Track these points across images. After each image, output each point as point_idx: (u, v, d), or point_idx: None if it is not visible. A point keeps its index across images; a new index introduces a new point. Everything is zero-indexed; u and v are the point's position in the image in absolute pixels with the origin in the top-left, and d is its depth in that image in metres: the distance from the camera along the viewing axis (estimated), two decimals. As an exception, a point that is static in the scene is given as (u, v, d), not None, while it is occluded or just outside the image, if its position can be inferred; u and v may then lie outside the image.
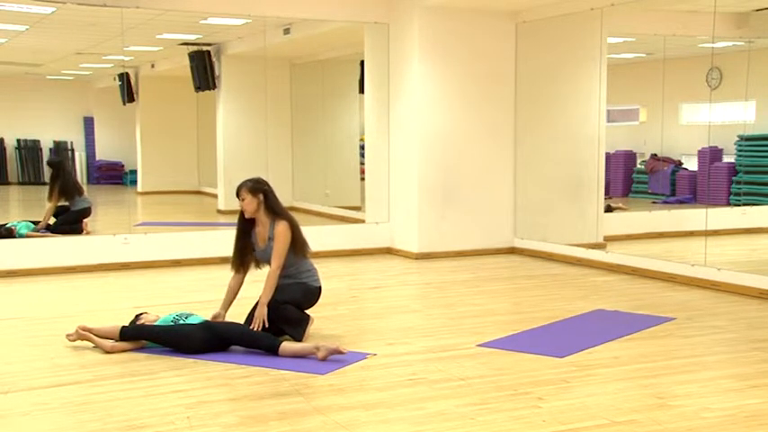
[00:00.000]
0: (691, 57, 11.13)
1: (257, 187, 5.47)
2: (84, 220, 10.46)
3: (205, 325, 5.21)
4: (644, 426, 3.82)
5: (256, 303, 5.44)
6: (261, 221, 5.50)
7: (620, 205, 11.37)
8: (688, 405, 4.12)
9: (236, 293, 5.63)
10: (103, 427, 3.83)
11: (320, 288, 5.65)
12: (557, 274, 8.21)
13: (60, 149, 16.37)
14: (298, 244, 5.48)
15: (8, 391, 4.41)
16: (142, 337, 5.22)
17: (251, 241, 5.58)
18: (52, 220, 10.40)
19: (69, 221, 10.28)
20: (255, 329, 5.22)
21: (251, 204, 5.44)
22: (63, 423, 3.93)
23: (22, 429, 3.87)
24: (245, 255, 5.59)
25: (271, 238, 5.44)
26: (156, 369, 4.80)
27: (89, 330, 5.27)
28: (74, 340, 5.30)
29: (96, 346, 5.21)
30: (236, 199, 5.51)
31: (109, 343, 5.18)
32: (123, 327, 5.23)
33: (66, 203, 10.51)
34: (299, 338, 5.36)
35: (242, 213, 5.53)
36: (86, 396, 4.30)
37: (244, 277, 5.64)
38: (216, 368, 4.81)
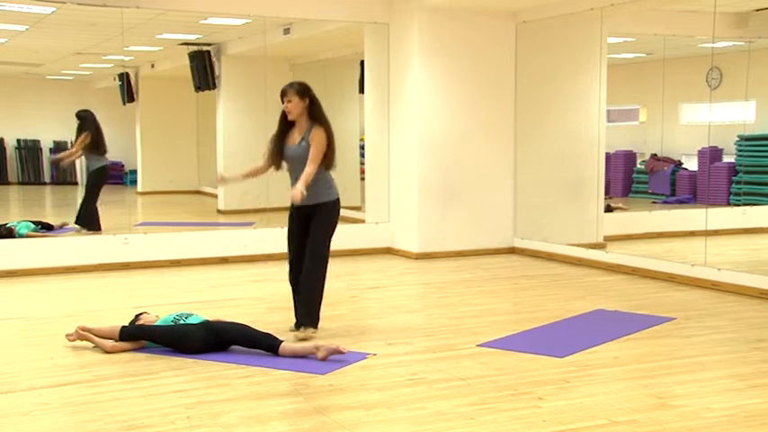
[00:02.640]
0: (691, 57, 11.13)
1: (304, 91, 5.57)
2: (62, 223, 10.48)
3: (205, 325, 5.20)
4: (644, 426, 3.82)
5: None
6: (300, 125, 5.59)
7: (620, 205, 11.37)
8: (688, 405, 4.12)
9: (257, 174, 5.82)
10: (103, 427, 3.83)
11: (339, 200, 5.71)
12: (557, 274, 8.21)
13: (60, 149, 16.37)
14: (328, 155, 5.58)
15: (8, 391, 4.41)
16: (142, 337, 5.22)
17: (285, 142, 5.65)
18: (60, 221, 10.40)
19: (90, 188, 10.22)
20: (300, 190, 5.34)
21: (297, 107, 5.53)
22: (63, 423, 3.93)
23: (23, 429, 3.86)
24: (279, 153, 5.68)
25: (304, 139, 5.53)
26: (156, 369, 4.80)
27: (89, 330, 5.27)
28: (73, 340, 5.30)
29: (96, 346, 5.21)
30: (280, 101, 5.59)
31: (109, 343, 5.18)
32: (123, 327, 5.23)
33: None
34: (315, 317, 5.57)
35: (284, 114, 5.61)
36: (86, 396, 4.30)
37: (268, 170, 5.78)
38: (216, 368, 4.81)
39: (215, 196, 13.37)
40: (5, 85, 16.01)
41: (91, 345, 5.26)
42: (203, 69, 12.24)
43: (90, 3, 8.39)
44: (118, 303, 6.77)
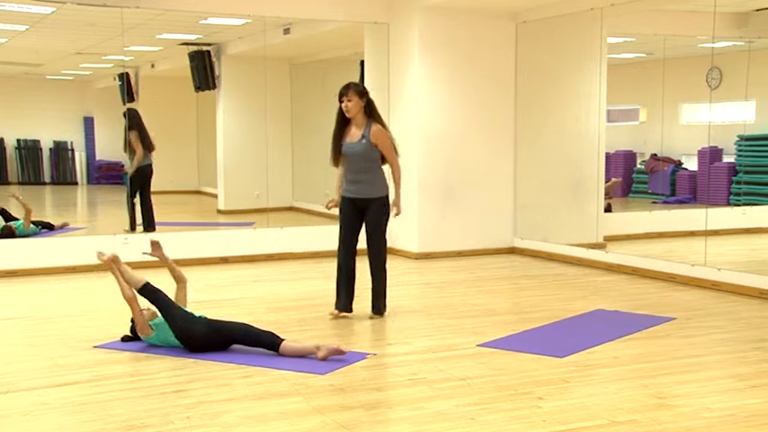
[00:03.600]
0: (691, 57, 11.12)
1: (364, 92, 6.07)
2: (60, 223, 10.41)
3: (207, 322, 5.22)
4: (644, 426, 3.82)
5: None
6: (356, 122, 6.06)
7: (612, 179, 11.25)
8: (688, 405, 4.12)
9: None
10: (103, 427, 3.83)
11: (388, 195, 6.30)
12: (557, 274, 8.21)
13: (60, 149, 16.37)
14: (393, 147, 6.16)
15: (8, 391, 4.41)
16: (156, 302, 5.27)
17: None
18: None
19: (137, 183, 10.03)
20: (394, 215, 6.16)
21: (356, 106, 6.01)
22: (63, 423, 3.93)
23: (22, 429, 3.86)
24: (339, 150, 6.17)
25: (365, 137, 6.03)
26: (156, 369, 4.80)
27: (118, 266, 5.35)
28: (101, 260, 5.41)
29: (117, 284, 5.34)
30: (338, 100, 6.04)
31: (129, 291, 5.26)
32: (147, 282, 5.32)
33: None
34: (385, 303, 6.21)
35: (341, 113, 6.08)
36: (86, 396, 4.30)
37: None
38: (216, 368, 4.81)
39: (215, 196, 13.37)
40: (5, 85, 16.00)
41: (91, 345, 5.26)
42: (203, 69, 12.24)
43: (90, 3, 8.39)
44: (118, 303, 6.75)
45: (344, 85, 6.10)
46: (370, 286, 6.32)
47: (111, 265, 5.36)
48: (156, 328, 5.24)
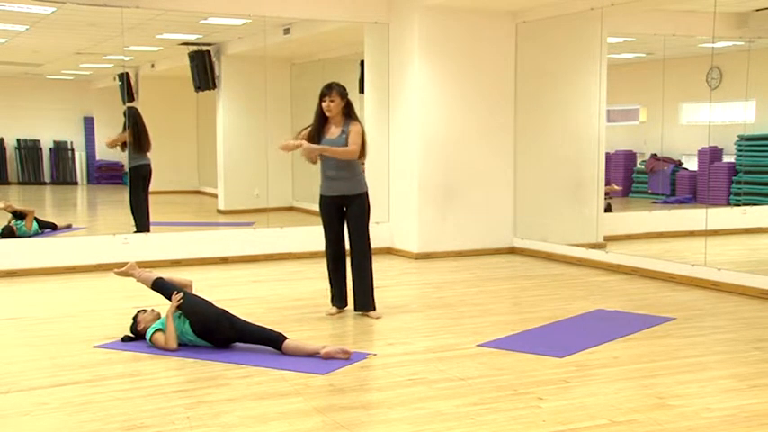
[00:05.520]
0: (691, 57, 11.12)
1: (344, 93, 6.21)
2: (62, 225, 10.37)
3: (218, 309, 5.32)
4: (644, 426, 3.82)
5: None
6: (335, 120, 6.18)
7: (614, 186, 11.24)
8: (688, 405, 4.12)
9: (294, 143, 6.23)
10: (103, 427, 3.83)
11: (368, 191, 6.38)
12: (557, 274, 8.21)
13: (60, 149, 16.38)
14: (364, 147, 6.23)
15: (8, 391, 4.41)
16: (166, 291, 5.46)
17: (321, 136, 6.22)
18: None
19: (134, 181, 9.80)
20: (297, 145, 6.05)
21: (337, 106, 6.14)
22: (63, 423, 3.93)
23: (22, 429, 3.87)
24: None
25: (344, 132, 6.12)
26: (156, 369, 4.80)
27: (134, 272, 5.69)
28: (120, 273, 5.75)
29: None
30: (320, 99, 6.15)
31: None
32: (157, 278, 5.58)
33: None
34: (373, 300, 6.22)
35: (321, 112, 6.17)
36: (86, 396, 4.30)
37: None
38: (216, 368, 4.81)
39: (215, 196, 13.38)
40: (5, 85, 16.00)
41: (91, 345, 5.27)
42: (203, 69, 12.23)
43: (90, 3, 8.39)
44: (118, 303, 6.77)
45: (326, 84, 6.18)
46: (358, 284, 6.28)
47: (129, 273, 5.69)
48: (175, 321, 5.24)
